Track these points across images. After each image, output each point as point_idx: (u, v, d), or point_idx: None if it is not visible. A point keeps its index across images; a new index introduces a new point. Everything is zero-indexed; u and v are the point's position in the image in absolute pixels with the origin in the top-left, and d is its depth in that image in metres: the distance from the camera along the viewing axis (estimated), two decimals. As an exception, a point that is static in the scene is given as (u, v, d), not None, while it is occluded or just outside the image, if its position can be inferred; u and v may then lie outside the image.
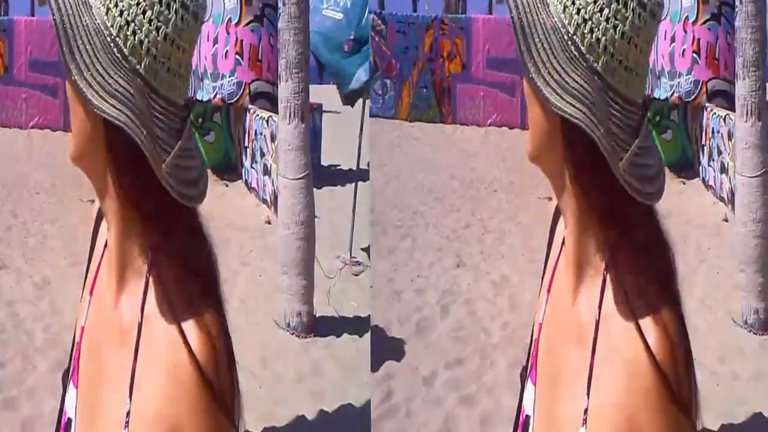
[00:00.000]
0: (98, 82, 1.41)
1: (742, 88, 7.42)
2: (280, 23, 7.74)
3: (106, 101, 1.41)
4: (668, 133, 11.71)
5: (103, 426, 1.52)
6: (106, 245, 1.61)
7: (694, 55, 12.29)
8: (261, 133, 11.20)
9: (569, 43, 1.42)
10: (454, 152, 14.40)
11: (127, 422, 1.47)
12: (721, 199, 10.74)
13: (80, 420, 1.60)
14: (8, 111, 14.54)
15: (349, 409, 6.49)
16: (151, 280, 1.51)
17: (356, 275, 8.75)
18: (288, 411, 6.28)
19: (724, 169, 10.78)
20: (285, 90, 7.69)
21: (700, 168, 11.34)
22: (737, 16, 7.43)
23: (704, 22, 12.28)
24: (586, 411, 1.47)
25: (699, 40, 12.25)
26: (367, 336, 7.46)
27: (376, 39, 15.53)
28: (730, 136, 10.52)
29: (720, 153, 10.98)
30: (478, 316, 7.79)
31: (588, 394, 1.47)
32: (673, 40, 12.15)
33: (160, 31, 1.45)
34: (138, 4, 1.44)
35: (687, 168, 11.31)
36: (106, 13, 1.43)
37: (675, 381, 1.44)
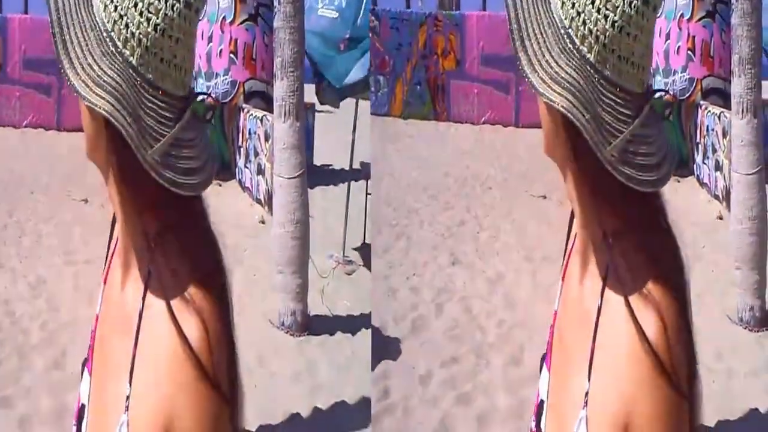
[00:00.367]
0: (87, 74, 1.45)
1: (738, 86, 7.42)
2: (275, 22, 7.74)
3: (93, 91, 1.44)
4: (663, 131, 11.70)
5: (109, 410, 1.55)
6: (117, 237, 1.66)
7: (689, 52, 12.30)
8: (255, 133, 11.19)
9: (564, 36, 1.46)
10: (449, 150, 14.40)
11: (127, 406, 1.50)
12: (716, 196, 10.75)
13: (92, 405, 1.64)
14: (2, 109, 14.51)
15: (343, 406, 6.50)
16: (152, 268, 1.54)
17: (349, 274, 8.77)
18: (283, 409, 6.28)
19: (718, 167, 10.78)
20: (280, 89, 7.70)
21: (695, 166, 11.35)
22: (733, 13, 7.43)
23: (699, 20, 12.29)
24: (587, 394, 1.51)
25: (694, 37, 12.26)
26: (360, 334, 7.47)
27: (370, 35, 15.52)
28: (724, 134, 10.53)
29: (714, 151, 10.99)
30: (473, 314, 7.78)
31: (589, 378, 1.52)
32: (668, 37, 12.15)
33: (151, 22, 1.47)
34: None
35: (681, 166, 11.31)
36: (104, 9, 1.47)
37: (672, 367, 1.47)
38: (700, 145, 11.47)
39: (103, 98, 1.44)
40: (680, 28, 12.28)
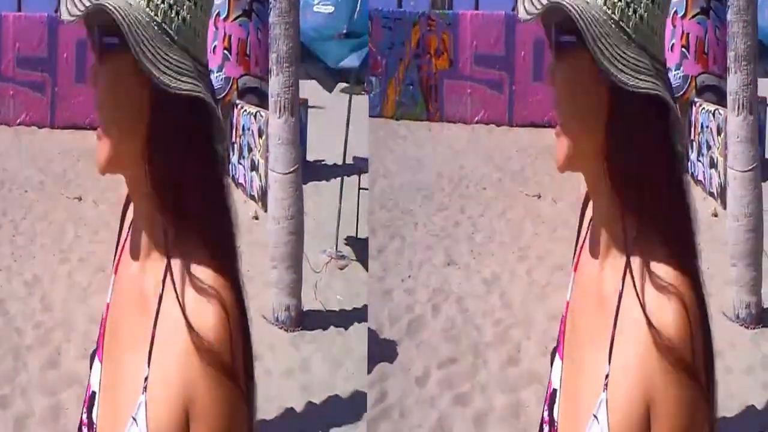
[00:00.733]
0: (167, 66, 1.50)
1: (734, 82, 7.42)
2: (271, 18, 7.74)
3: (179, 80, 1.51)
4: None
5: (124, 391, 1.57)
6: (131, 228, 1.69)
7: (683, 49, 12.31)
8: (248, 129, 11.17)
9: (617, 28, 1.50)
10: (442, 150, 14.39)
11: (145, 387, 1.52)
12: (711, 194, 10.76)
13: (104, 390, 1.65)
14: (-5, 107, 14.52)
15: (336, 400, 6.50)
16: (171, 253, 1.56)
17: (341, 269, 8.78)
18: (277, 403, 6.27)
19: (713, 164, 10.79)
20: (275, 84, 7.69)
21: (689, 163, 11.36)
22: (729, 9, 7.43)
23: (693, 16, 12.30)
24: (607, 376, 1.53)
25: (688, 34, 12.27)
26: (353, 329, 7.47)
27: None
28: (719, 131, 10.53)
29: (709, 148, 11.00)
30: (469, 314, 7.77)
31: (609, 361, 1.54)
32: (661, 35, 12.16)
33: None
34: None
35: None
36: (147, 5, 1.51)
37: (690, 354, 1.50)
38: (694, 143, 11.48)
39: (191, 84, 1.51)
40: (674, 26, 12.30)
